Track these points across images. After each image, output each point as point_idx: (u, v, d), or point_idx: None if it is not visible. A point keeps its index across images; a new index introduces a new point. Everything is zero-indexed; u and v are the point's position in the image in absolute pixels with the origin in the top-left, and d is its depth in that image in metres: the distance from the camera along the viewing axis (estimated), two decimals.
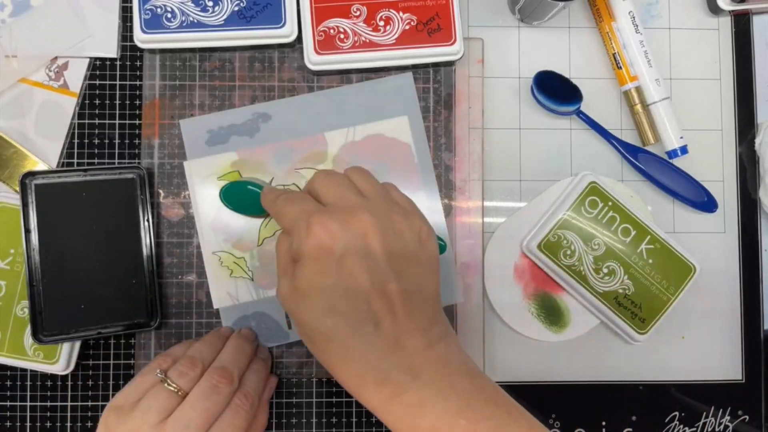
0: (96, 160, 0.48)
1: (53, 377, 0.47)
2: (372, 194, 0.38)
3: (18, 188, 0.45)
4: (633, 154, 0.50)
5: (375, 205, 0.37)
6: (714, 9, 0.51)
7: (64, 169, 0.47)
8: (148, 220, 0.46)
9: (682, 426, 0.50)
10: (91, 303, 0.45)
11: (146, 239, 0.46)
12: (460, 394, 0.35)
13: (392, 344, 0.35)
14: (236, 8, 0.46)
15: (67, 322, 0.45)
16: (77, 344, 0.46)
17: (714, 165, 0.51)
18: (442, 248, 0.46)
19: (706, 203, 0.50)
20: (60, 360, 0.45)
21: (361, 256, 0.35)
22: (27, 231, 0.44)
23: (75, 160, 0.48)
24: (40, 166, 0.47)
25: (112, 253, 0.46)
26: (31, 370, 0.47)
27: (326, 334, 0.35)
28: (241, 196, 0.46)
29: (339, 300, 0.35)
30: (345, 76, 0.49)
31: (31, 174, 0.45)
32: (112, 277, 0.45)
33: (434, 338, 0.36)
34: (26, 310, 0.45)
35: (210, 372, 0.40)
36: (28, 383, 0.47)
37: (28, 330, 0.45)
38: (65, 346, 0.45)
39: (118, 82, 0.49)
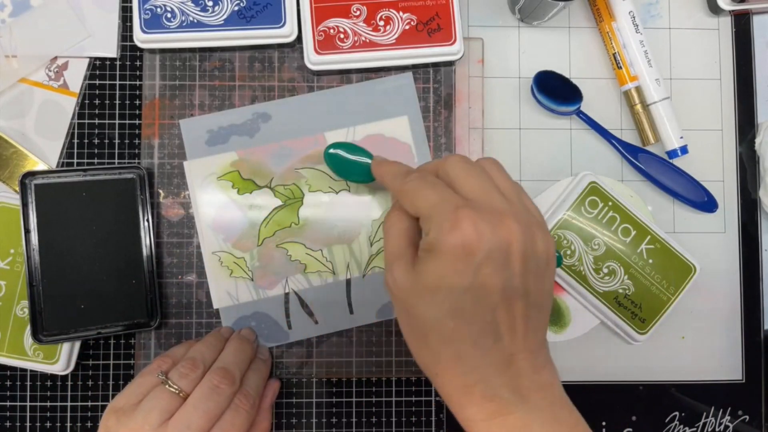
0: (96, 160, 0.48)
1: (53, 377, 0.47)
2: (513, 197, 0.36)
3: (18, 188, 0.45)
4: (633, 154, 0.50)
5: (520, 213, 0.35)
6: (714, 9, 0.51)
7: (64, 169, 0.47)
8: (148, 220, 0.46)
9: (682, 426, 0.50)
10: (90, 303, 0.45)
11: (146, 239, 0.46)
12: (562, 424, 0.34)
13: (506, 361, 0.34)
14: (236, 8, 0.46)
15: (67, 322, 0.45)
16: (77, 344, 0.46)
17: (714, 165, 0.51)
18: (560, 260, 0.46)
19: (706, 203, 0.50)
20: (60, 360, 0.45)
21: (501, 266, 0.33)
22: (27, 231, 0.44)
23: (75, 160, 0.48)
24: (40, 166, 0.47)
25: (112, 253, 0.46)
26: (31, 370, 0.47)
27: (445, 336, 0.33)
28: (346, 158, 0.44)
29: (467, 304, 0.33)
30: (345, 76, 0.49)
31: (31, 174, 0.45)
32: (112, 277, 0.45)
33: (541, 362, 0.35)
34: (26, 310, 0.45)
35: (211, 373, 0.40)
36: (28, 383, 0.47)
37: (28, 330, 0.45)
38: (65, 346, 0.45)
39: (118, 82, 0.49)
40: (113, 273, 0.45)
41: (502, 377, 0.34)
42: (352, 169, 0.45)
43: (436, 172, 0.37)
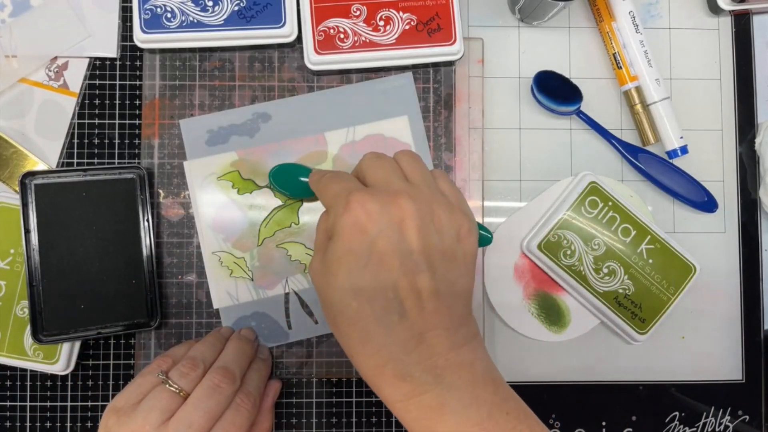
0: (96, 160, 0.48)
1: (53, 377, 0.47)
2: (418, 181, 0.37)
3: (18, 188, 0.45)
4: (633, 154, 0.50)
5: (419, 192, 0.36)
6: (714, 9, 0.51)
7: (64, 169, 0.47)
8: (148, 220, 0.46)
9: (682, 426, 0.50)
10: (90, 303, 0.45)
11: (146, 239, 0.46)
12: (482, 404, 0.34)
13: (416, 339, 0.34)
14: (236, 8, 0.46)
15: (67, 322, 0.45)
16: (77, 344, 0.46)
17: (714, 165, 0.51)
18: (487, 240, 0.45)
19: (706, 203, 0.50)
20: (60, 360, 0.45)
21: (395, 243, 0.34)
22: (27, 231, 0.44)
23: (75, 160, 0.48)
24: (40, 166, 0.47)
25: (112, 253, 0.46)
26: (31, 370, 0.47)
27: (350, 317, 0.34)
28: (289, 177, 0.46)
29: (366, 283, 0.34)
30: (345, 76, 0.49)
31: (31, 174, 0.45)
32: (112, 277, 0.45)
33: (460, 340, 0.35)
34: (26, 310, 0.45)
35: (212, 372, 0.40)
36: (28, 383, 0.47)
37: (28, 330, 0.45)
38: (65, 346, 0.45)
39: (118, 82, 0.49)
40: (113, 273, 0.45)
41: (412, 356, 0.34)
42: (295, 183, 0.45)
43: (355, 172, 0.39)
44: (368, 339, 0.34)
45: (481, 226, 0.43)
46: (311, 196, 0.44)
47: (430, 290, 0.34)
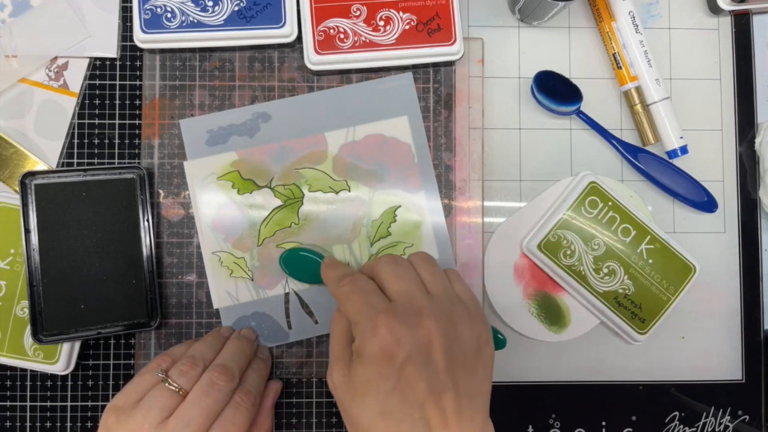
0: (96, 160, 0.48)
1: (53, 377, 0.47)
2: (437, 290, 0.38)
3: (18, 188, 0.45)
4: (633, 154, 0.49)
5: (440, 306, 0.37)
6: (714, 9, 0.51)
7: (64, 169, 0.47)
8: (148, 220, 0.46)
9: (682, 426, 0.50)
10: (91, 303, 0.45)
11: (146, 239, 0.46)
12: None
13: None
14: (236, 8, 0.46)
15: (67, 322, 0.45)
16: (77, 344, 0.46)
17: (714, 165, 0.51)
18: (502, 342, 0.47)
19: (706, 203, 0.50)
20: (60, 360, 0.45)
21: (423, 365, 0.35)
22: (27, 231, 0.44)
23: (75, 160, 0.48)
24: (40, 166, 0.47)
25: (112, 253, 0.46)
26: (31, 370, 0.47)
27: None
28: (300, 264, 0.47)
29: (394, 405, 0.35)
30: (345, 76, 0.49)
31: (31, 174, 0.45)
32: (112, 277, 0.45)
33: None
34: (26, 310, 0.45)
35: (210, 370, 0.40)
36: (28, 383, 0.47)
37: (28, 330, 0.45)
38: (65, 346, 0.45)
39: (118, 82, 0.49)
40: (113, 273, 0.45)
41: None
42: (307, 269, 0.46)
43: (371, 273, 0.40)
44: None
45: (493, 330, 0.45)
46: (321, 283, 0.45)
47: (455, 407, 0.35)
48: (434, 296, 0.38)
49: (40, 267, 0.44)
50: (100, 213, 0.46)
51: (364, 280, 0.39)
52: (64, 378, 0.47)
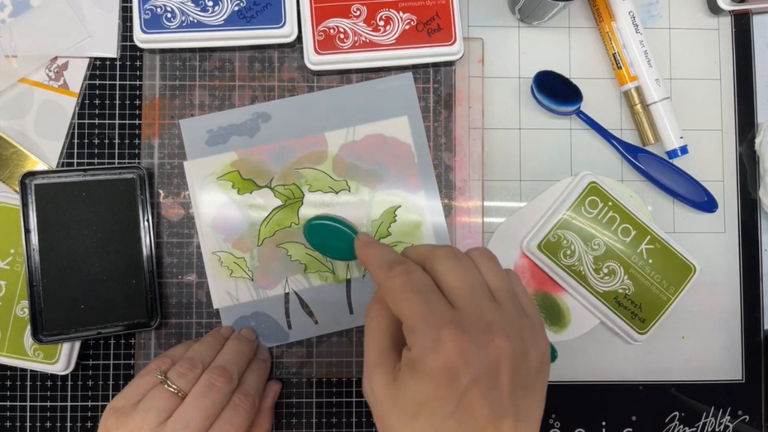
0: (96, 160, 0.48)
1: (53, 377, 0.47)
2: (504, 299, 0.34)
3: (18, 188, 0.45)
4: (633, 154, 0.49)
5: (510, 321, 0.33)
6: (714, 9, 0.51)
7: (64, 169, 0.47)
8: (148, 221, 0.46)
9: (682, 426, 0.50)
10: (91, 303, 0.45)
11: (146, 239, 0.46)
12: None
13: None
14: (236, 8, 0.46)
15: (67, 322, 0.45)
16: (77, 344, 0.46)
17: (714, 165, 0.51)
18: (554, 355, 0.46)
19: (706, 203, 0.50)
20: (60, 360, 0.45)
21: (488, 390, 0.31)
22: (27, 231, 0.44)
23: (75, 160, 0.48)
24: (40, 166, 0.47)
25: (112, 253, 0.46)
26: (31, 370, 0.47)
27: None
28: (329, 236, 0.43)
29: (450, 429, 0.31)
30: (345, 76, 0.49)
31: (31, 174, 0.45)
32: (112, 277, 0.45)
33: None
34: (26, 310, 0.45)
35: (208, 372, 0.40)
36: (28, 383, 0.47)
37: (28, 330, 0.45)
38: (65, 346, 0.45)
39: (118, 82, 0.49)
40: (113, 273, 0.45)
41: None
42: (334, 244, 0.43)
43: (423, 262, 0.35)
44: None
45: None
46: (348, 258, 0.41)
47: (514, 431, 0.32)
48: (503, 307, 0.33)
49: (40, 267, 0.44)
50: (100, 213, 0.46)
51: (421, 274, 0.34)
52: (64, 378, 0.47)
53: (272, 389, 0.46)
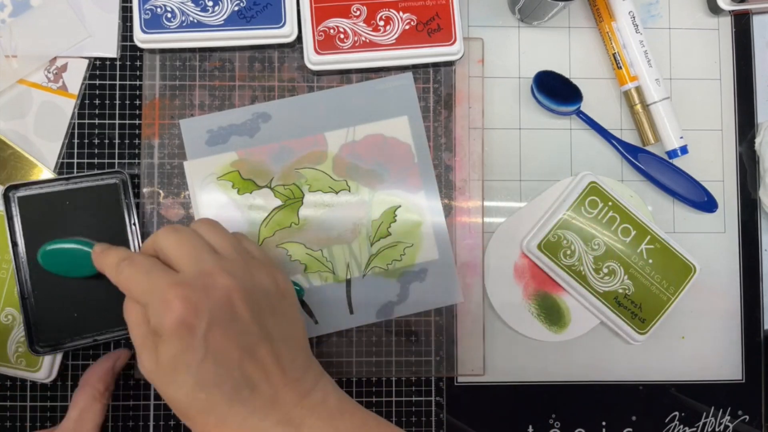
0: (96, 161, 0.48)
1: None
2: (227, 250, 0.37)
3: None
4: (633, 154, 0.50)
5: (233, 262, 0.36)
6: (714, 9, 0.51)
7: (46, 179, 0.46)
8: (134, 224, 0.46)
9: (682, 426, 0.50)
10: (84, 311, 0.45)
11: (134, 242, 0.46)
12: None
13: (270, 402, 0.34)
14: (236, 8, 0.46)
15: (62, 331, 0.44)
16: (60, 353, 0.46)
17: (714, 165, 0.51)
18: (299, 293, 0.46)
19: (706, 203, 0.50)
20: (42, 368, 0.45)
21: (228, 324, 0.34)
22: (14, 245, 0.44)
23: (75, 161, 0.48)
24: (40, 167, 0.47)
25: None
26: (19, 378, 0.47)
27: (201, 408, 0.34)
28: (63, 258, 0.43)
29: (210, 372, 0.33)
30: (345, 76, 0.49)
31: (14, 187, 0.44)
32: (103, 284, 0.45)
33: (309, 385, 0.36)
34: (10, 317, 0.45)
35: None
36: (28, 383, 0.47)
37: (11, 337, 0.45)
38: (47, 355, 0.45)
39: (118, 82, 0.49)
40: (104, 279, 0.45)
41: (270, 418, 0.34)
42: (72, 262, 0.43)
43: (152, 251, 0.38)
44: (225, 420, 0.34)
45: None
46: (96, 273, 0.41)
47: (271, 355, 0.35)
48: (224, 256, 0.36)
49: (30, 279, 0.44)
50: (86, 220, 0.45)
51: (143, 257, 0.37)
52: (64, 378, 0.47)
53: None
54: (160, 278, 0.35)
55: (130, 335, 0.36)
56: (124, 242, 0.46)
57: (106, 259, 0.39)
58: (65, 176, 0.46)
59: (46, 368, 0.45)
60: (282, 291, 0.37)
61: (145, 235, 0.47)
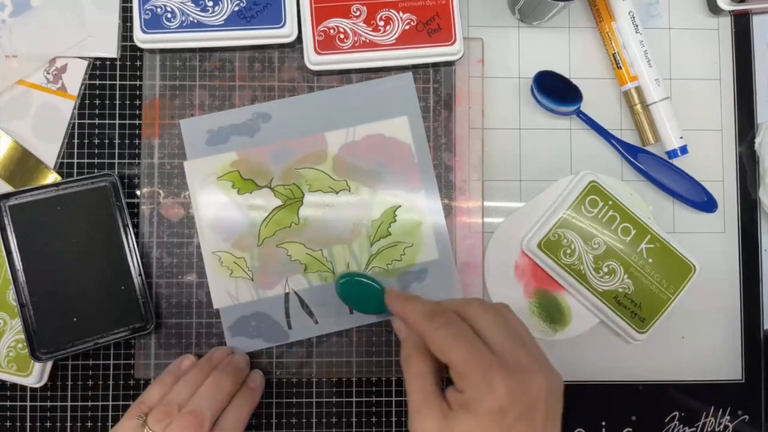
0: (96, 161, 0.48)
1: (53, 377, 0.47)
2: (531, 344, 0.39)
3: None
4: (633, 154, 0.50)
5: (542, 365, 0.38)
6: (714, 9, 0.51)
7: (36, 187, 0.46)
8: (127, 225, 0.46)
9: (682, 426, 0.50)
10: (83, 315, 0.45)
11: (128, 243, 0.46)
12: None
13: None
14: (236, 8, 0.46)
15: (63, 337, 0.44)
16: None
17: (714, 165, 0.51)
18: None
19: (706, 203, 0.50)
20: (33, 373, 0.45)
21: (530, 421, 0.35)
22: (9, 254, 0.44)
23: (75, 161, 0.48)
24: (50, 178, 0.47)
25: (96, 262, 0.45)
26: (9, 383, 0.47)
27: None
28: (361, 290, 0.46)
29: None
30: (345, 76, 0.49)
31: (5, 196, 0.44)
32: (100, 286, 0.45)
33: None
34: (0, 322, 0.45)
35: (179, 417, 0.39)
36: (28, 386, 0.47)
37: (2, 341, 0.45)
38: None
39: (118, 82, 0.49)
40: (101, 282, 0.45)
41: None
42: (365, 298, 0.46)
43: (458, 313, 0.39)
44: None
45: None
46: (384, 313, 0.45)
47: None
48: (532, 353, 0.38)
49: (26, 287, 0.44)
50: (79, 225, 0.45)
51: (461, 323, 0.38)
52: (64, 378, 0.47)
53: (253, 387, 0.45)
54: (484, 356, 0.36)
55: (409, 386, 0.38)
56: (118, 244, 0.46)
57: (412, 306, 0.40)
58: (55, 183, 0.46)
59: (36, 373, 0.45)
60: (560, 398, 0.38)
61: (142, 236, 0.47)
